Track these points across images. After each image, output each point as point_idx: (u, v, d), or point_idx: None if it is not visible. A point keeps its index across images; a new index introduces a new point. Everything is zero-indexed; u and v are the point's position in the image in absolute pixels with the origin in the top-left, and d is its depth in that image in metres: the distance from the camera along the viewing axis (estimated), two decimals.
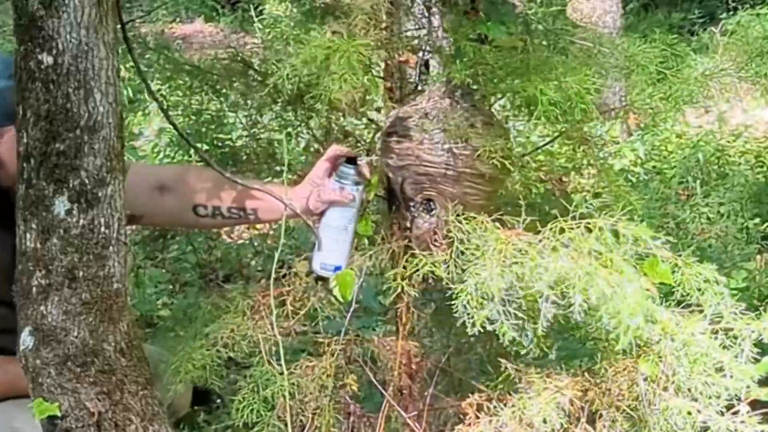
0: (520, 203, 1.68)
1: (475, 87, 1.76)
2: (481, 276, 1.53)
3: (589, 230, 1.54)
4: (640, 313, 1.40)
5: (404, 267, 1.77)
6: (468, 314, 1.54)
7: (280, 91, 1.99)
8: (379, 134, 1.91)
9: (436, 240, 1.78)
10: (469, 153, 1.76)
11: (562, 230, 1.56)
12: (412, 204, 1.82)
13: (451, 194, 1.78)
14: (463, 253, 1.66)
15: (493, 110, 1.85)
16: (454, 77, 1.72)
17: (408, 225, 1.83)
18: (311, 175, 1.92)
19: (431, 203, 1.80)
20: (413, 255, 1.77)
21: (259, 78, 2.06)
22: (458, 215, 1.73)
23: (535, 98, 1.63)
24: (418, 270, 1.73)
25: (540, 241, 1.56)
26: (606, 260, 1.48)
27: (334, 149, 1.91)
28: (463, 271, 1.61)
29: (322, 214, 1.89)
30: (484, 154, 1.73)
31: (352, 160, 1.88)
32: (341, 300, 1.80)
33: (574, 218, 1.57)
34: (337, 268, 1.84)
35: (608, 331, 1.44)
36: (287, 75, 1.62)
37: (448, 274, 1.67)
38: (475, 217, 1.71)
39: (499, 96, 1.83)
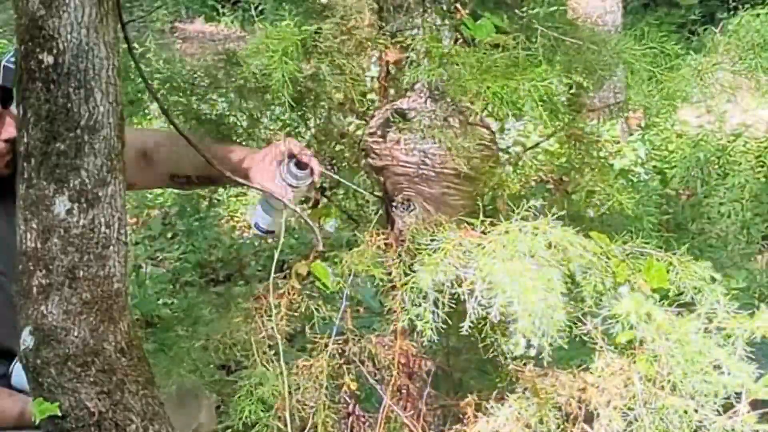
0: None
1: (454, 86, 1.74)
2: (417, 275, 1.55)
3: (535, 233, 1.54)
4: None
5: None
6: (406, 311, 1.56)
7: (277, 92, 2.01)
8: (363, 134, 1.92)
9: (401, 240, 1.79)
10: (443, 152, 1.76)
11: (506, 232, 1.56)
12: (393, 204, 1.83)
13: (429, 194, 1.78)
14: (416, 253, 1.67)
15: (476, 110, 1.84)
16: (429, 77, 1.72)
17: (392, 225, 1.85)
18: (269, 157, 1.99)
19: (411, 203, 1.80)
20: (361, 253, 1.78)
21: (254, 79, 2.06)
22: (418, 216, 1.74)
23: (503, 97, 1.63)
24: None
25: (490, 242, 1.56)
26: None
27: (295, 146, 1.95)
28: (409, 270, 1.62)
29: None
30: (458, 154, 1.73)
31: (301, 164, 1.93)
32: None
33: (525, 219, 1.57)
34: (269, 232, 2.08)
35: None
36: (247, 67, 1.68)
37: (390, 274, 1.70)
38: (436, 218, 1.72)
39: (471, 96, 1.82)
